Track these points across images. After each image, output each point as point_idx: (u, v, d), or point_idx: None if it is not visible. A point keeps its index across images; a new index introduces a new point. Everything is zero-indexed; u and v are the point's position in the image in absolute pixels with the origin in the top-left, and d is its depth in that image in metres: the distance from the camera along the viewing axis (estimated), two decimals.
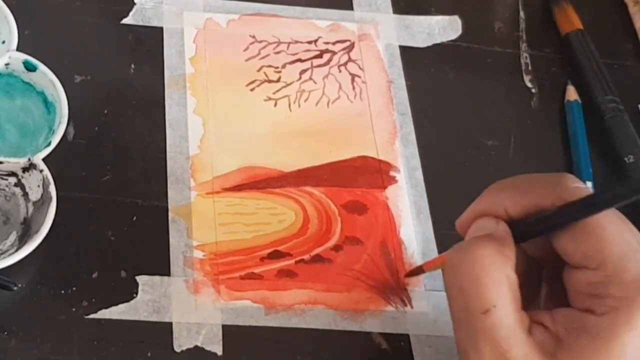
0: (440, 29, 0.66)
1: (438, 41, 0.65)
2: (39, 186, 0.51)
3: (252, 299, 0.52)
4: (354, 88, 0.61)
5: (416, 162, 0.59)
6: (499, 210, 0.47)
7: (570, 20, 0.67)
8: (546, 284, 0.49)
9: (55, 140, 0.52)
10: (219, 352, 0.50)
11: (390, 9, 0.66)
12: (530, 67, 0.65)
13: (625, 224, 0.45)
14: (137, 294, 0.51)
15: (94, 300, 0.50)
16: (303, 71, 0.62)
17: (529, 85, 0.65)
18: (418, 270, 0.53)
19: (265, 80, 0.61)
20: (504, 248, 0.45)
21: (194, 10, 0.62)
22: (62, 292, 0.50)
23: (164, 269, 0.52)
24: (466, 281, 0.45)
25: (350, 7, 0.65)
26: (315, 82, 0.61)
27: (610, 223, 0.44)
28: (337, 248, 0.55)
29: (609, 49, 0.67)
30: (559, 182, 0.46)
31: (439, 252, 0.56)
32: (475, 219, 0.48)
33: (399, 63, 0.63)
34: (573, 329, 0.44)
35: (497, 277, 0.44)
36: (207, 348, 0.50)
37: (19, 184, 0.52)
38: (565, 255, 0.45)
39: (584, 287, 0.44)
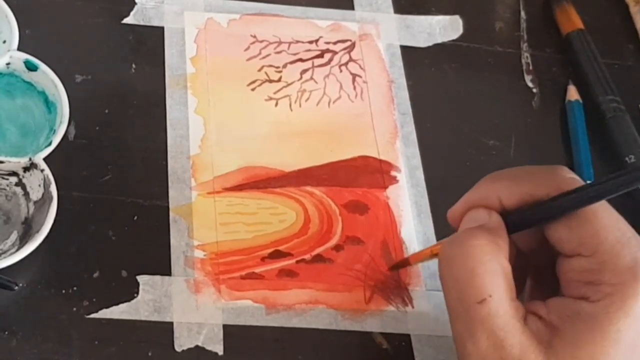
0: (441, 28, 0.66)
1: (439, 41, 0.65)
2: (39, 186, 0.51)
3: (252, 298, 0.52)
4: (354, 88, 0.61)
5: (417, 161, 0.59)
6: (493, 201, 0.47)
7: (571, 20, 0.67)
8: (530, 277, 0.50)
9: (56, 139, 0.52)
10: (220, 352, 0.50)
11: (391, 9, 0.66)
12: (531, 67, 0.65)
13: (617, 214, 0.45)
14: (137, 293, 0.51)
15: (94, 299, 0.50)
16: (304, 71, 0.62)
17: (530, 85, 0.65)
18: (404, 263, 0.54)
19: (266, 80, 0.61)
20: (497, 238, 0.46)
21: (194, 10, 0.62)
22: (63, 291, 0.50)
23: (164, 269, 0.52)
24: (461, 272, 0.45)
25: (351, 7, 0.65)
26: (316, 82, 0.61)
27: (604, 211, 0.45)
28: (338, 248, 0.55)
29: (610, 48, 0.67)
30: (555, 173, 0.47)
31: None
32: (468, 209, 0.48)
33: (399, 63, 0.63)
34: (568, 316, 0.44)
35: (492, 267, 0.45)
36: (208, 348, 0.50)
37: (19, 183, 0.52)
38: (560, 244, 0.46)
39: (578, 275, 0.45)
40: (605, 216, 0.45)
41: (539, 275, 0.49)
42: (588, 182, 0.47)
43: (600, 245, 0.44)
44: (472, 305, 0.44)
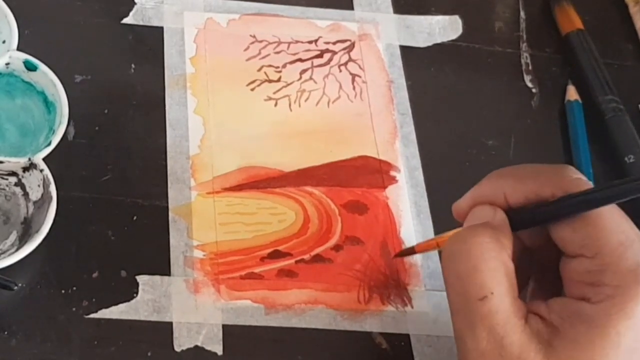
0: (440, 28, 0.66)
1: (438, 41, 0.65)
2: (39, 186, 0.51)
3: (252, 298, 0.52)
4: (354, 88, 0.61)
5: (416, 161, 0.59)
6: (498, 197, 0.47)
7: (571, 20, 0.67)
8: (533, 276, 0.50)
9: (56, 140, 0.52)
10: (219, 352, 0.50)
11: (391, 9, 0.66)
12: (530, 67, 0.65)
13: (623, 215, 0.45)
14: (137, 293, 0.51)
15: (94, 299, 0.50)
16: (303, 71, 0.62)
17: (530, 85, 0.65)
18: (409, 251, 0.54)
19: (265, 80, 0.61)
20: (501, 236, 0.46)
21: (194, 10, 0.62)
22: (62, 291, 0.50)
23: (164, 269, 0.52)
24: (464, 268, 0.45)
25: (350, 7, 0.65)
26: (315, 82, 0.61)
27: (609, 213, 0.45)
28: (337, 248, 0.55)
29: (610, 48, 0.67)
30: (561, 173, 0.47)
31: (440, 251, 0.56)
32: (473, 204, 0.48)
33: (399, 63, 0.63)
34: (568, 317, 0.44)
35: (495, 265, 0.45)
36: (208, 348, 0.50)
37: (19, 183, 0.52)
38: (563, 244, 0.46)
39: (581, 276, 0.45)
40: (609, 218, 0.45)
41: (542, 275, 0.49)
42: (594, 185, 0.46)
43: (603, 247, 0.44)
44: (473, 302, 0.44)
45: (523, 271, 0.47)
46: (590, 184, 0.46)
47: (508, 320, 0.44)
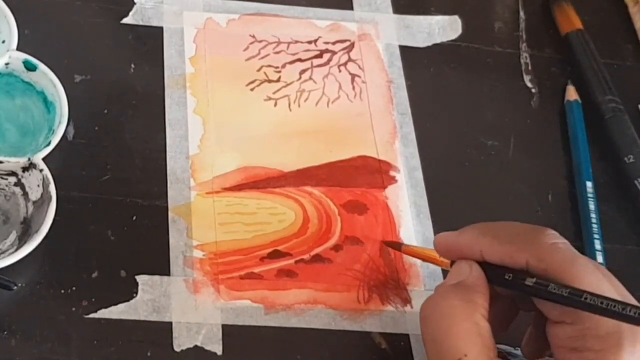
0: (440, 28, 0.66)
1: (438, 41, 0.65)
2: (38, 186, 0.51)
3: (251, 298, 0.52)
4: (353, 88, 0.61)
5: (416, 162, 0.59)
6: (475, 252, 0.48)
7: (571, 20, 0.67)
8: (532, 326, 0.50)
9: (55, 139, 0.52)
10: (219, 352, 0.50)
11: (390, 9, 0.66)
12: (530, 67, 0.65)
13: (603, 274, 0.45)
14: (136, 293, 0.51)
15: (93, 299, 0.50)
16: (303, 71, 0.62)
17: (529, 85, 0.65)
18: (396, 246, 0.54)
19: (265, 80, 0.61)
20: (474, 296, 0.46)
21: (194, 10, 0.62)
22: (62, 291, 0.50)
23: (163, 269, 0.52)
24: (437, 332, 0.46)
25: (350, 7, 0.65)
26: (315, 82, 0.61)
27: (587, 275, 0.45)
28: (337, 248, 0.55)
29: (609, 48, 0.67)
30: (537, 239, 0.46)
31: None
32: (449, 249, 0.49)
33: (398, 63, 0.63)
34: None
35: (467, 326, 0.45)
36: (207, 348, 0.50)
37: (18, 183, 0.52)
38: (544, 310, 0.46)
39: (563, 342, 0.45)
40: (586, 280, 0.44)
41: (538, 326, 0.49)
42: (564, 288, 0.45)
43: (582, 312, 0.44)
44: None
45: (508, 310, 0.48)
46: (568, 250, 0.46)
47: None
